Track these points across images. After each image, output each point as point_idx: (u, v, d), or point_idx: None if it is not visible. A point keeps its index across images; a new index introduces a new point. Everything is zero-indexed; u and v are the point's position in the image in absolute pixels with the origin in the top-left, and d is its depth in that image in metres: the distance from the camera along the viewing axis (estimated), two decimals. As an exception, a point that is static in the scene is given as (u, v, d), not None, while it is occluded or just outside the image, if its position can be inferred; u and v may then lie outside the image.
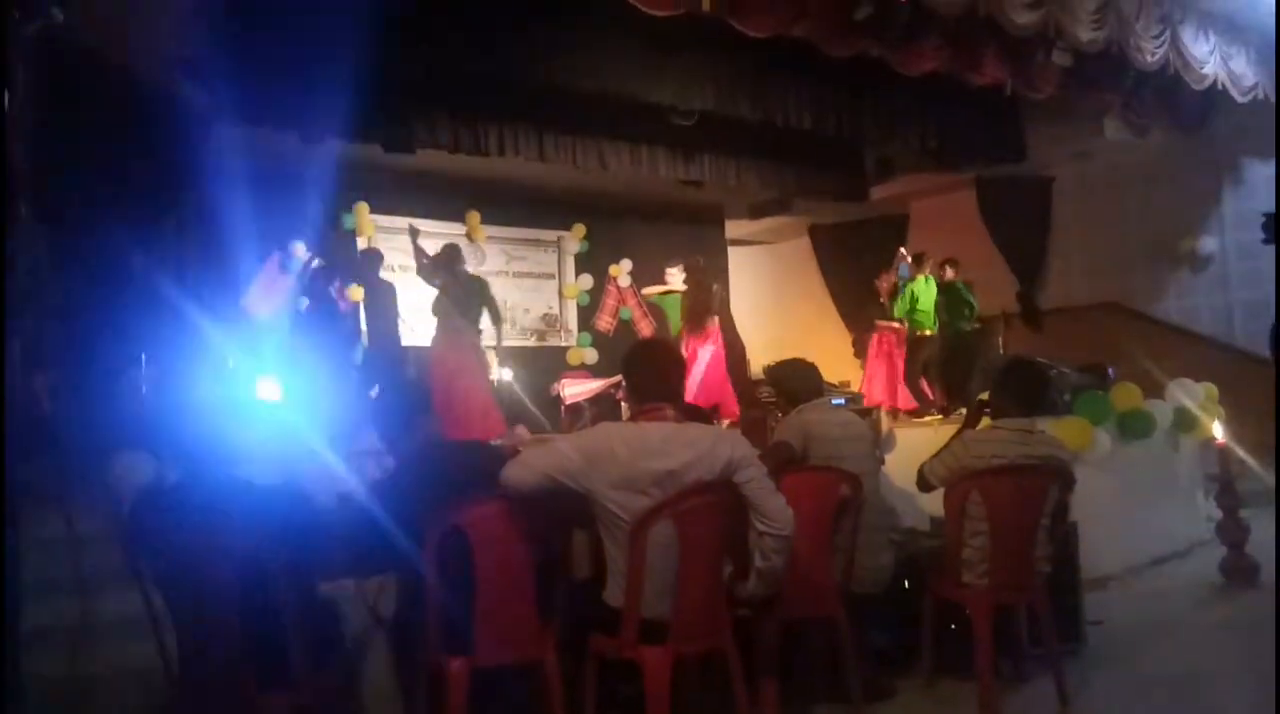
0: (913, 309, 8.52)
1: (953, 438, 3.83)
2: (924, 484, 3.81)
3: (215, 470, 2.64)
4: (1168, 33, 6.74)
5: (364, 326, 7.76)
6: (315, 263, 7.39)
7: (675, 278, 8.39)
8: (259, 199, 8.71)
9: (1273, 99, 7.50)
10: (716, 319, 8.23)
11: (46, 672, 2.87)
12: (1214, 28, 7.17)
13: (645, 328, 10.56)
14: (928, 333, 8.52)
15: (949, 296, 8.70)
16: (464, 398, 6.66)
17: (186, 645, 2.58)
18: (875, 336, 8.84)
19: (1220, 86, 7.29)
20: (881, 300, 8.84)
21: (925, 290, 8.57)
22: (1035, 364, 4.74)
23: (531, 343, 10.24)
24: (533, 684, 2.91)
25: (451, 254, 7.21)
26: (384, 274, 8.12)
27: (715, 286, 8.42)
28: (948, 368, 8.50)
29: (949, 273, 8.74)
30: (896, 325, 8.72)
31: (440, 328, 7.09)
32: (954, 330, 8.68)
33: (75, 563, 2.93)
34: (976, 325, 8.83)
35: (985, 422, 4.00)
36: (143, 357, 6.99)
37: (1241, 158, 8.67)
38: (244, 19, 5.53)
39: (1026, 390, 3.86)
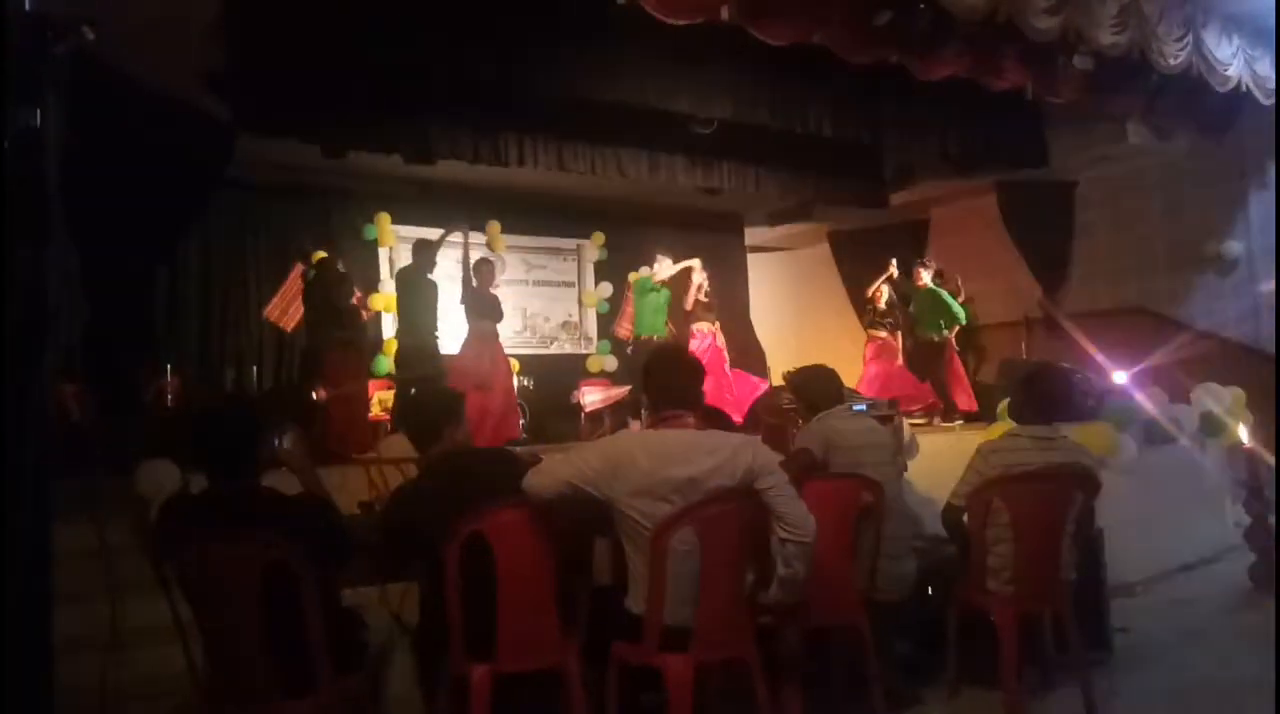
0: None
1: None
2: (952, 521, 3.75)
3: (240, 479, 2.67)
4: (1190, 35, 6.68)
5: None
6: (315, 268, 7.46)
7: (663, 266, 8.26)
8: (282, 210, 8.85)
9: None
10: (712, 323, 8.22)
11: (77, 679, 2.91)
12: (1238, 30, 7.10)
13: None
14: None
15: (920, 302, 8.82)
16: (483, 400, 6.76)
17: (213, 653, 2.61)
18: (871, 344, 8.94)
19: (1244, 89, 7.22)
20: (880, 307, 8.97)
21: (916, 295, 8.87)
22: (1057, 370, 4.72)
23: (551, 350, 10.28)
24: (555, 691, 2.92)
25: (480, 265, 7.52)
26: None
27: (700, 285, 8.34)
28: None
29: (921, 278, 8.83)
30: (884, 334, 8.83)
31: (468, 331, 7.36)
32: (916, 337, 8.85)
33: (105, 572, 2.97)
34: (946, 334, 8.79)
35: (1003, 428, 3.97)
36: (168, 366, 7.10)
37: (1267, 160, 8.56)
38: (266, 34, 5.59)
39: (1048, 397, 3.83)
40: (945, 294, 8.71)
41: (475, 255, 7.90)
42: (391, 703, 3.01)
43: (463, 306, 7.34)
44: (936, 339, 8.72)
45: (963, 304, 8.82)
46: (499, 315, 7.49)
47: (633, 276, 9.33)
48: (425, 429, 3.17)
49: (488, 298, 7.45)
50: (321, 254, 7.84)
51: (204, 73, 5.89)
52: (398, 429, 6.64)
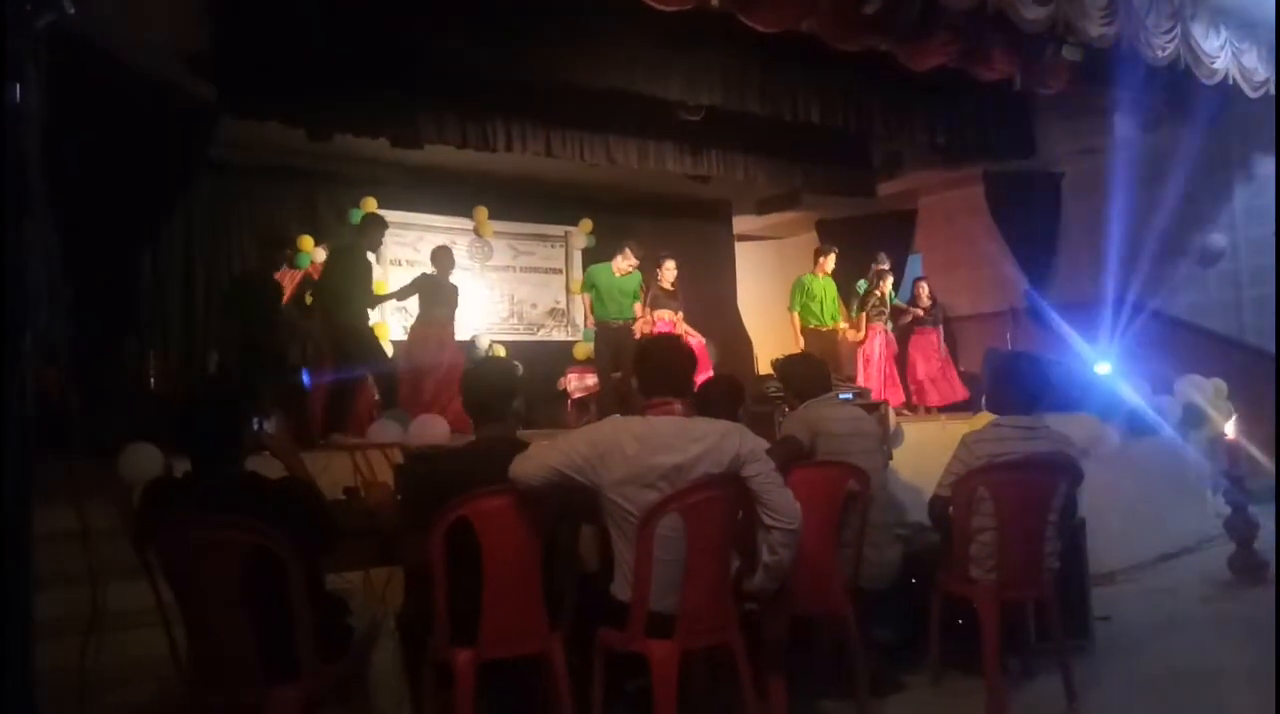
0: (806, 304, 8.69)
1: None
2: (938, 512, 3.75)
3: (224, 463, 2.65)
4: (1178, 28, 6.71)
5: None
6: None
7: (624, 262, 8.00)
8: (267, 194, 8.78)
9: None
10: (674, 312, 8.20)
11: (57, 663, 2.89)
12: (1225, 23, 7.13)
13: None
14: (824, 328, 8.69)
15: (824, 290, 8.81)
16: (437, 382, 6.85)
17: (195, 638, 2.60)
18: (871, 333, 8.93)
19: (1231, 82, 7.25)
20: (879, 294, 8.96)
21: (824, 286, 8.75)
22: (1037, 359, 4.69)
23: (538, 337, 10.26)
24: (540, 677, 2.92)
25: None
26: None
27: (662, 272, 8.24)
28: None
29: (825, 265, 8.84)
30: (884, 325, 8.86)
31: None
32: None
33: (86, 555, 2.95)
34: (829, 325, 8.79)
35: (987, 417, 3.98)
36: (151, 351, 7.04)
37: (1253, 153, 8.62)
38: (251, 14, 5.54)
39: (1028, 386, 3.84)
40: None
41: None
42: (376, 689, 3.00)
43: (417, 293, 7.32)
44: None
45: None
46: (454, 305, 7.49)
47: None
48: (489, 405, 3.03)
49: (445, 287, 7.44)
50: (307, 239, 7.80)
51: (188, 53, 5.82)
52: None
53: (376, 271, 8.80)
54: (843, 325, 8.88)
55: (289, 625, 2.53)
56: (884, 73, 6.78)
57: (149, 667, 3.06)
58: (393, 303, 7.77)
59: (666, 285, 8.19)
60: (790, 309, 8.73)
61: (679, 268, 8.27)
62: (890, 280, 9.00)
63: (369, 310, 6.99)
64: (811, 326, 8.65)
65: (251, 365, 6.51)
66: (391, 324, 8.91)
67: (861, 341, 8.83)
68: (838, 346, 8.80)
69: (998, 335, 9.45)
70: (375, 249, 7.14)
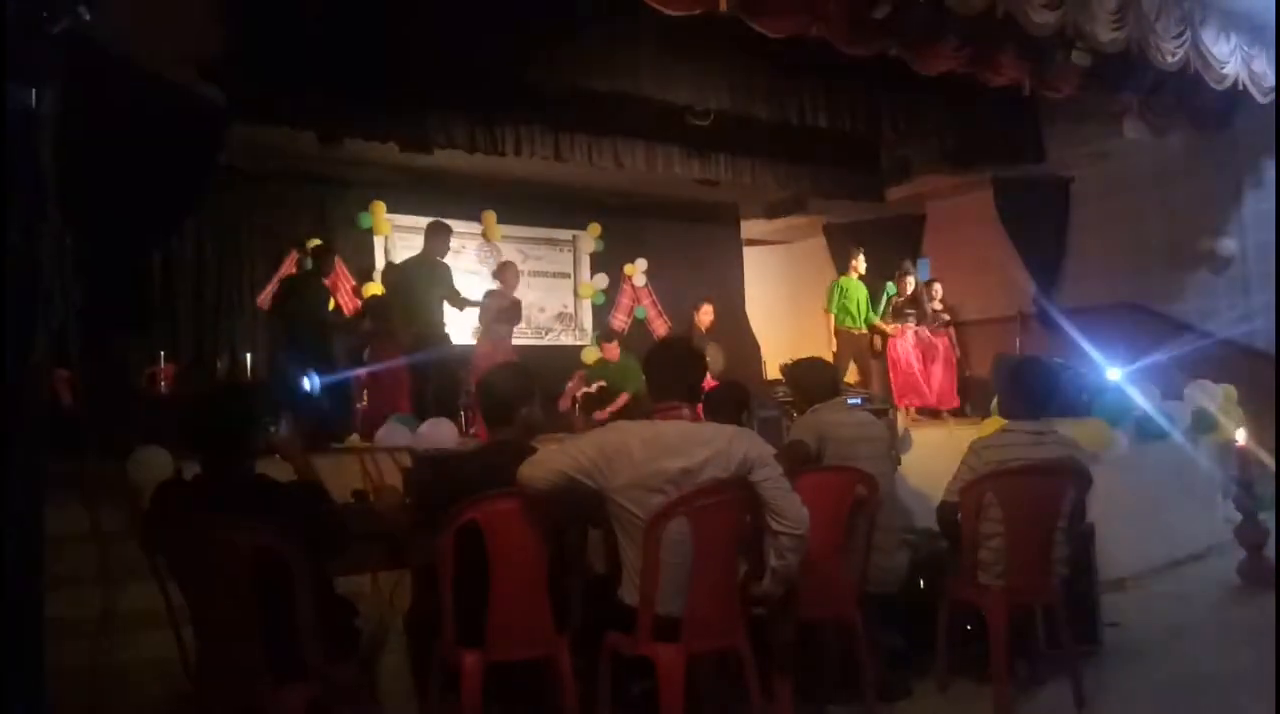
0: (843, 305, 8.84)
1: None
2: (946, 518, 3.75)
3: (234, 465, 2.66)
4: (1188, 33, 6.68)
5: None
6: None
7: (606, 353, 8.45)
8: (277, 198, 8.81)
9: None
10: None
11: (69, 663, 2.90)
12: (1236, 28, 7.10)
13: (660, 326, 10.60)
14: (856, 331, 8.88)
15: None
16: None
17: (204, 639, 2.61)
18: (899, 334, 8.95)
19: (1241, 87, 7.22)
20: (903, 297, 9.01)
21: (858, 287, 8.89)
22: (1046, 364, 4.69)
23: (546, 341, 10.27)
24: (546, 680, 2.92)
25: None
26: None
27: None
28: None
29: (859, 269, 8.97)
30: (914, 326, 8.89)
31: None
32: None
33: (98, 557, 2.97)
34: (864, 328, 8.97)
35: (996, 423, 3.97)
36: (161, 353, 7.08)
37: (1262, 159, 8.57)
38: (262, 19, 5.56)
39: (1037, 391, 3.83)
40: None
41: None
42: (384, 690, 3.01)
43: (482, 310, 7.54)
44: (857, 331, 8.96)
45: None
46: (519, 319, 7.77)
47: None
48: (499, 409, 3.07)
49: (512, 303, 7.63)
50: (316, 241, 7.84)
51: (199, 58, 5.86)
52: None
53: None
54: (879, 321, 9.01)
55: (297, 627, 2.54)
56: (893, 77, 6.78)
57: (158, 668, 3.07)
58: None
59: (702, 329, 8.53)
60: (826, 310, 8.89)
61: (686, 273, 8.44)
62: (911, 280, 9.07)
63: (444, 316, 7.27)
64: (845, 328, 8.79)
65: (294, 363, 6.67)
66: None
67: (894, 338, 8.97)
68: (866, 352, 8.87)
69: (1006, 340, 9.43)
70: (443, 255, 7.35)
